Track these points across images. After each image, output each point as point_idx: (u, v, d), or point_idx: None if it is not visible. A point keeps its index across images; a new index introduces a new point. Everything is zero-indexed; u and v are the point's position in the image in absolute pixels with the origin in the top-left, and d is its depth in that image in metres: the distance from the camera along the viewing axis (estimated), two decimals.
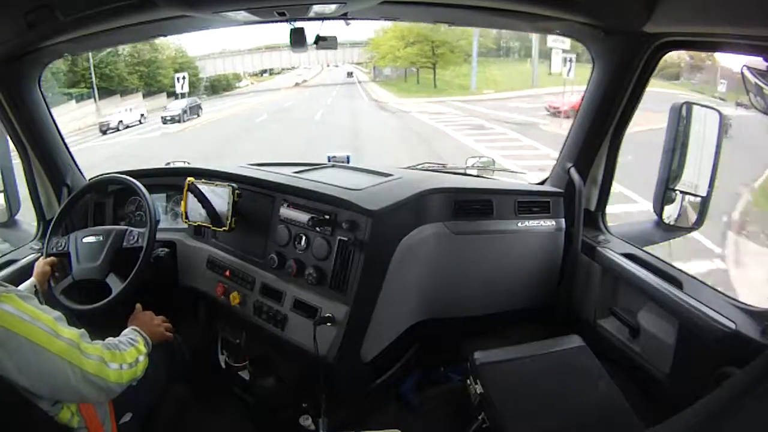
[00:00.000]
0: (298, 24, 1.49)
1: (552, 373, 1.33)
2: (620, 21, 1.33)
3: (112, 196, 1.88)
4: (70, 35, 1.41)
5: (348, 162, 1.97)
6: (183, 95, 16.33)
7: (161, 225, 1.67)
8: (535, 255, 1.69)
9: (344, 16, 1.51)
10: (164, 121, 15.61)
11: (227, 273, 1.60)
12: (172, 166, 1.98)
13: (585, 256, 1.63)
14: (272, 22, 1.48)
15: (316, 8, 1.30)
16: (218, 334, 1.74)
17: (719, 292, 1.26)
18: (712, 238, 4.80)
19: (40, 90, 1.66)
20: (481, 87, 19.43)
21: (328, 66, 27.32)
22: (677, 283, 1.31)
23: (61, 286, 1.47)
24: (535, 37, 17.40)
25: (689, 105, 1.51)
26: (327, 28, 1.59)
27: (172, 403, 1.42)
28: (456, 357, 1.62)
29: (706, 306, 1.19)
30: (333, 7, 1.30)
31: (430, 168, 2.05)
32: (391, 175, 1.66)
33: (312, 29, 1.55)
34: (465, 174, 2.04)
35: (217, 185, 1.56)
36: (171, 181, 1.81)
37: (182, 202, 1.59)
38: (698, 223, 1.53)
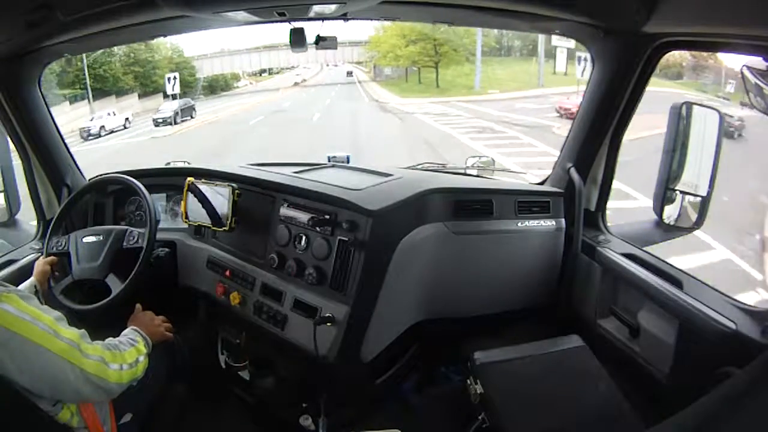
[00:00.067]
0: (298, 24, 1.49)
1: (552, 373, 1.33)
2: (620, 21, 1.32)
3: (112, 196, 1.88)
4: (70, 35, 1.41)
5: (348, 162, 1.97)
6: (174, 96, 15.84)
7: (161, 225, 1.67)
8: (536, 255, 1.69)
9: (344, 16, 1.51)
10: (156, 123, 14.96)
11: (227, 273, 1.60)
12: (172, 166, 1.98)
13: (585, 256, 1.63)
14: (272, 22, 1.48)
15: (316, 8, 1.30)
16: (218, 334, 1.74)
17: (719, 292, 1.26)
18: (749, 260, 3.99)
19: (40, 90, 1.67)
20: (484, 87, 19.14)
21: (327, 65, 27.16)
22: (677, 283, 1.31)
23: (61, 286, 1.47)
24: (540, 36, 16.97)
25: (689, 105, 1.51)
26: (327, 28, 1.59)
27: (172, 403, 1.42)
28: (456, 357, 1.62)
29: (707, 306, 1.19)
30: (333, 7, 1.30)
31: (430, 168, 2.05)
32: (391, 175, 1.66)
33: (312, 29, 1.56)
34: (465, 174, 2.04)
35: (217, 185, 1.56)
36: (171, 181, 1.81)
37: (182, 202, 1.59)
38: (698, 223, 1.53)
